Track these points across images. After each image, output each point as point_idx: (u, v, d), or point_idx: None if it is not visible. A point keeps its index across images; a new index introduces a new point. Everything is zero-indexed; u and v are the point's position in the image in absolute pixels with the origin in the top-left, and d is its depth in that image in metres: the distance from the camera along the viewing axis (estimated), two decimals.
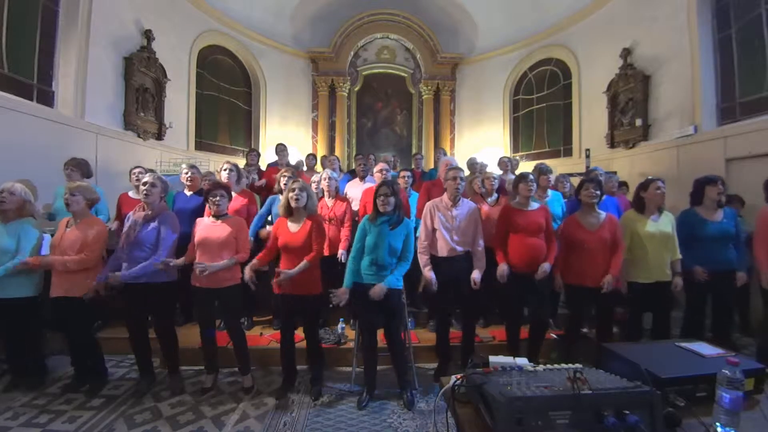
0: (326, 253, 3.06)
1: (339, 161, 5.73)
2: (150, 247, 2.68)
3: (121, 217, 3.46)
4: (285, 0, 7.34)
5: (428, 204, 2.97)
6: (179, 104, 6.10)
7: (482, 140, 8.10)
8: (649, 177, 3.05)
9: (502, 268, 2.84)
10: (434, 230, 2.89)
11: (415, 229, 3.02)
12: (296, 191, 2.65)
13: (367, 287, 2.58)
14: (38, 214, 3.23)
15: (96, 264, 2.73)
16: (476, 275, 2.83)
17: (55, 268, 2.66)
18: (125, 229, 2.67)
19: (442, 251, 2.85)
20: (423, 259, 2.86)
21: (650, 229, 2.89)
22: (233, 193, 3.40)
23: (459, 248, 2.85)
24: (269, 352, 3.18)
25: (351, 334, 3.37)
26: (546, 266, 2.80)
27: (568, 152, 6.98)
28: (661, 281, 2.86)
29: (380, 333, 2.73)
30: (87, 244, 2.69)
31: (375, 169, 3.91)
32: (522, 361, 1.37)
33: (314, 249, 2.65)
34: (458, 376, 1.31)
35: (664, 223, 2.93)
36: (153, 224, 2.70)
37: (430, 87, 8.11)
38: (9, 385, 2.80)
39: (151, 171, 3.79)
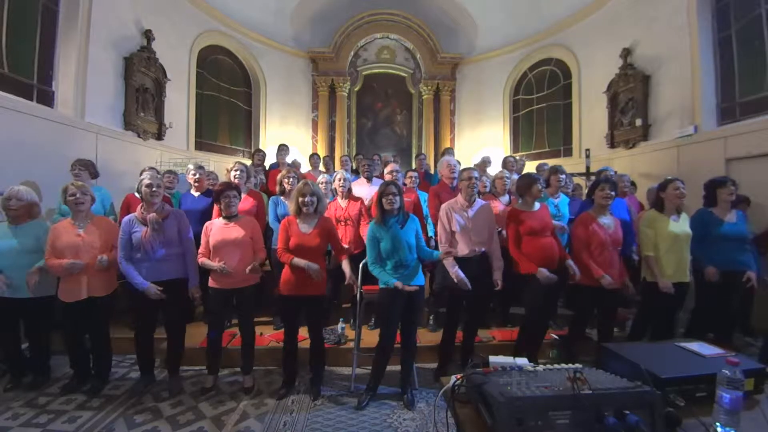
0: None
1: (350, 161, 5.76)
2: (176, 243, 2.72)
3: None
4: (285, 0, 7.34)
5: (444, 206, 2.93)
6: (179, 104, 6.09)
7: (482, 140, 8.09)
8: (668, 177, 3.03)
9: (544, 274, 2.70)
10: (453, 232, 2.86)
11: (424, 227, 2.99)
12: (307, 197, 2.63)
13: (392, 289, 2.54)
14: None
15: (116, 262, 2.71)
16: (497, 276, 2.83)
17: (89, 269, 2.58)
18: (147, 230, 2.61)
19: (463, 252, 2.83)
20: (448, 261, 2.78)
21: (673, 229, 2.86)
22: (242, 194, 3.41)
23: (477, 248, 2.84)
24: (269, 352, 3.18)
25: (351, 334, 3.37)
26: (573, 266, 2.79)
27: (568, 152, 6.98)
28: (681, 282, 2.84)
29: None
30: (110, 243, 2.71)
31: (386, 170, 3.91)
32: (522, 361, 1.38)
33: (342, 252, 2.79)
34: (458, 376, 1.31)
35: (684, 223, 2.92)
36: (172, 222, 2.73)
37: (430, 87, 8.10)
38: (9, 385, 2.80)
39: (170, 171, 3.94)
